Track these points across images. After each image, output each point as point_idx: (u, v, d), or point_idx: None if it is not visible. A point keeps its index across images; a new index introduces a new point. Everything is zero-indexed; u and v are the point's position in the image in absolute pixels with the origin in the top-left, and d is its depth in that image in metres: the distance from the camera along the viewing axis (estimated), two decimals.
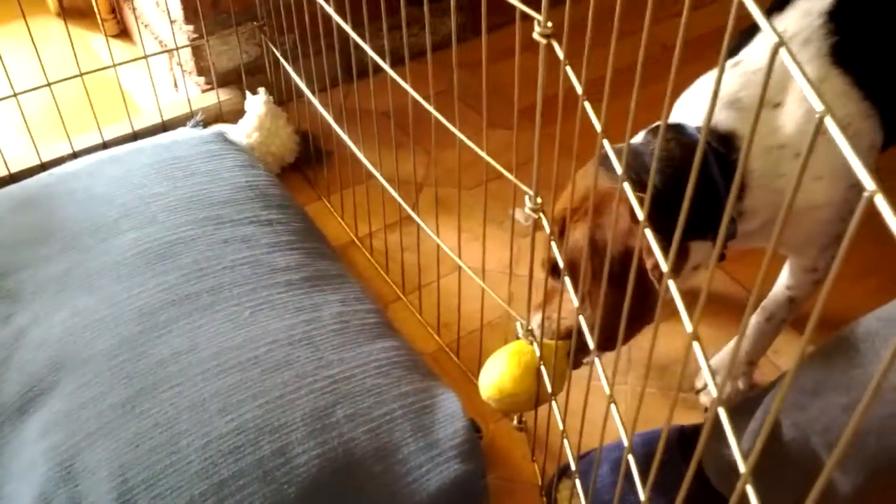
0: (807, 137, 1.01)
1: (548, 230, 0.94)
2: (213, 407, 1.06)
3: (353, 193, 1.53)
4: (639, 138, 1.06)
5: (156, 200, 1.35)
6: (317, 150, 1.67)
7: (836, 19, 1.03)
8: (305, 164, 1.69)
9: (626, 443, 0.74)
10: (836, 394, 0.96)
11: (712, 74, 1.06)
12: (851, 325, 0.98)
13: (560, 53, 0.73)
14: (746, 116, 0.99)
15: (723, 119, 1.00)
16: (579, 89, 0.71)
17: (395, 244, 1.47)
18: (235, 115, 1.69)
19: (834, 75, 1.01)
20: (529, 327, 1.06)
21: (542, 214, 0.91)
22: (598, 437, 0.88)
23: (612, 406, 0.85)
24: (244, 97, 1.69)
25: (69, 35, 1.46)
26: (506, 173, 0.95)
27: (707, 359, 0.58)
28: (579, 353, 1.03)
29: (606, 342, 0.93)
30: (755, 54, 1.05)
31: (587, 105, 0.70)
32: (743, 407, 1.09)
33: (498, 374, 1.07)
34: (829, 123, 0.36)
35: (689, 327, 0.59)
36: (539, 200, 0.90)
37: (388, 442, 1.08)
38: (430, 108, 1.06)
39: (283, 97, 1.72)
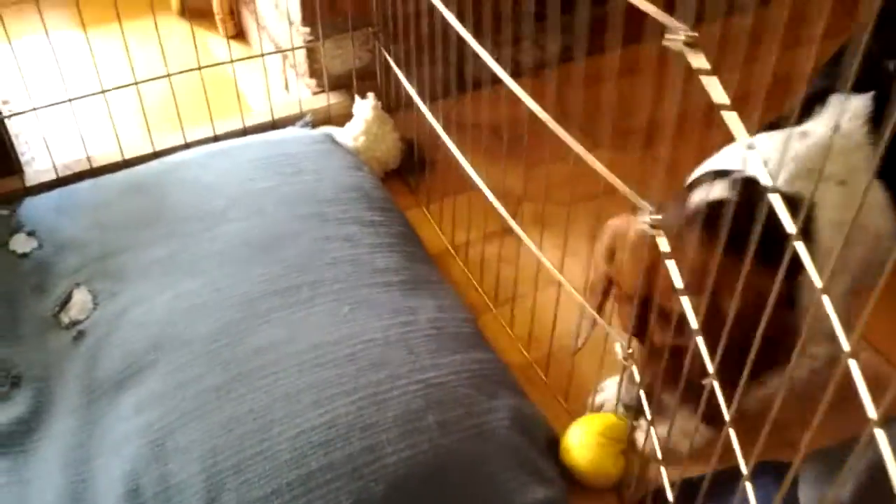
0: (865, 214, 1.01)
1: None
2: (306, 399, 1.06)
3: (453, 203, 1.52)
4: (708, 187, 1.05)
5: (264, 194, 1.37)
6: (420, 158, 1.67)
7: (877, 126, 1.08)
8: (408, 171, 1.69)
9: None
10: None
11: (767, 136, 1.09)
12: None
13: (700, 63, 0.70)
14: (819, 188, 1.01)
15: (800, 187, 1.00)
16: (726, 100, 0.68)
17: (490, 256, 1.45)
18: (344, 118, 1.70)
19: (876, 188, 1.06)
20: (630, 350, 1.03)
21: (660, 232, 0.87)
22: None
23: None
24: (353, 101, 1.70)
25: (192, 31, 1.50)
26: (620, 185, 0.92)
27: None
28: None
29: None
30: (822, 128, 1.07)
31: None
32: (850, 443, 1.03)
33: (590, 458, 1.11)
34: None
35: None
36: (660, 217, 0.86)
37: (476, 454, 1.06)
38: (549, 119, 1.04)
39: (391, 105, 1.73)
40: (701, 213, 0.98)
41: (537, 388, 1.29)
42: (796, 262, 0.63)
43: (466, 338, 1.21)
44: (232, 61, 1.60)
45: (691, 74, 0.72)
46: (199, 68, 1.55)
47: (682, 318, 0.87)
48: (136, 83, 1.52)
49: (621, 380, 1.14)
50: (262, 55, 1.64)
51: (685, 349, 0.87)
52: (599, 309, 1.11)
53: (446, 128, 1.43)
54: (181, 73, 1.55)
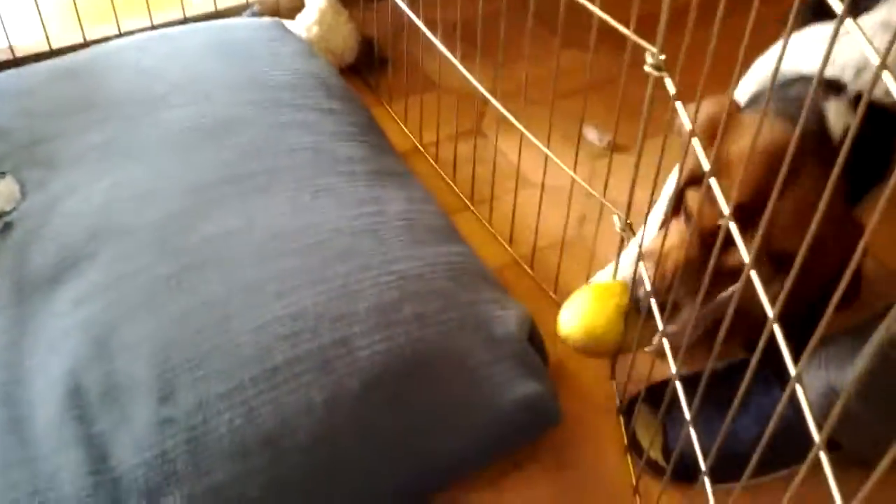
0: None
1: (688, 123, 0.79)
2: (269, 289, 0.95)
3: (420, 101, 1.42)
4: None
5: (210, 78, 1.24)
6: (380, 55, 1.56)
7: None
8: (366, 68, 1.58)
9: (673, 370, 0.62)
10: None
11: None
12: None
13: None
14: None
15: None
16: None
17: (463, 154, 1.36)
18: (293, 12, 1.57)
19: None
20: (628, 221, 0.94)
21: (665, 74, 0.78)
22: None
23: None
24: None
25: None
26: (622, 29, 0.82)
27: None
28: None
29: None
30: None
31: None
32: (858, 328, 0.97)
33: (587, 315, 0.99)
34: None
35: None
36: (663, 57, 0.77)
37: (458, 348, 0.97)
38: None
39: None
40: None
41: (522, 285, 1.22)
42: None
43: (440, 230, 1.11)
44: None
45: None
46: None
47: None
48: None
49: (619, 254, 1.05)
50: None
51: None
52: (675, 211, 0.95)
53: (403, 26, 1.33)
54: None
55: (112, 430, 0.85)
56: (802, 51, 0.96)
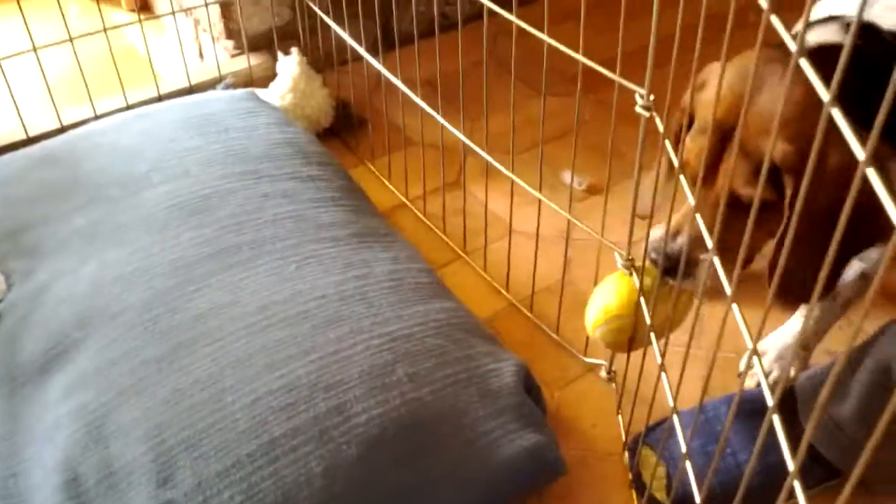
0: None
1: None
2: (259, 362, 0.95)
3: (404, 156, 1.44)
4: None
5: (188, 154, 1.25)
6: (353, 118, 1.58)
7: None
8: (344, 130, 1.60)
9: (672, 402, 0.62)
10: None
11: None
12: None
13: None
14: None
15: None
16: None
17: (451, 206, 1.39)
18: (266, 80, 1.59)
19: None
20: (629, 258, 0.94)
21: (655, 114, 0.79)
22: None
23: (664, 375, 0.84)
24: (275, 62, 1.59)
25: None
26: (609, 74, 0.84)
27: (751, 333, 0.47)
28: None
29: (798, 290, 0.80)
30: None
31: None
32: (853, 354, 0.97)
33: (606, 295, 0.97)
34: None
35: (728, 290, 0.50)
36: (651, 98, 0.79)
37: (454, 405, 0.97)
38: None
39: (318, 64, 1.62)
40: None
41: (519, 331, 1.24)
42: None
43: (428, 288, 1.11)
44: (140, 20, 1.47)
45: None
46: (105, 30, 1.42)
47: (770, 170, 0.74)
48: (35, 49, 1.38)
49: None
50: (174, 13, 1.51)
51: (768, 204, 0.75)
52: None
53: (377, 86, 1.37)
54: (84, 35, 1.42)
55: None
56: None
